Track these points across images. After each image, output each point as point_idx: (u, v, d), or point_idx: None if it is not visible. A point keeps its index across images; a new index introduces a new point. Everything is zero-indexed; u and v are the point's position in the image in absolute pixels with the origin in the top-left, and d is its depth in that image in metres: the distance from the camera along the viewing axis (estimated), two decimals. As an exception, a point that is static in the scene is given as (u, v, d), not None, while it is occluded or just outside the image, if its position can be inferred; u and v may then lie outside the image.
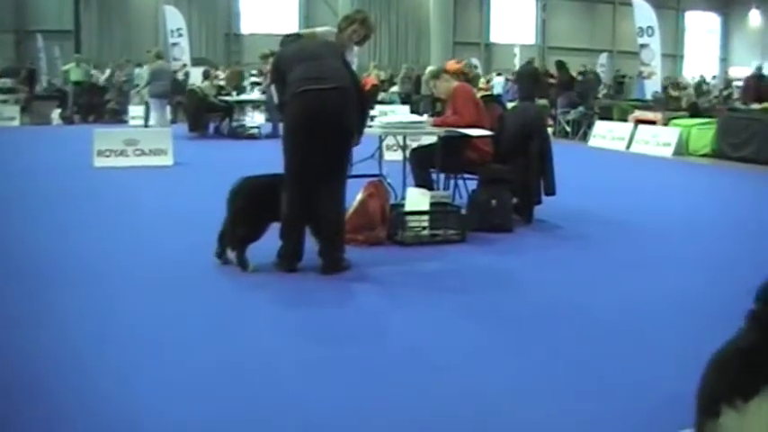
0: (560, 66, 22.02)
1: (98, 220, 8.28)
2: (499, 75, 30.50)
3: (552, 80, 22.21)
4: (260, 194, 6.14)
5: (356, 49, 7.10)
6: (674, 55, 41.81)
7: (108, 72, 26.09)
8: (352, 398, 3.72)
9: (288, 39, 6.76)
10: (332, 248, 6.02)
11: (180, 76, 22.72)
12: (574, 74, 22.95)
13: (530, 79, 20.78)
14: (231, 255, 6.15)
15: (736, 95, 26.51)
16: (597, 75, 25.01)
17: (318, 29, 6.89)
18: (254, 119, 20.32)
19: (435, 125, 8.10)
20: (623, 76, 30.66)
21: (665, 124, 17.71)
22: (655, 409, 3.55)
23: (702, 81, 30.62)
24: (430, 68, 22.02)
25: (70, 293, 5.46)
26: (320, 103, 5.81)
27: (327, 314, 5.12)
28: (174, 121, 20.16)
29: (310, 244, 6.15)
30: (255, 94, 20.70)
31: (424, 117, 8.96)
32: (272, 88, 7.75)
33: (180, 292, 5.52)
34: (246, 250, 6.05)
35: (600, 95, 23.10)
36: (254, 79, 23.77)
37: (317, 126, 5.78)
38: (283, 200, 5.96)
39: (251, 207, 6.11)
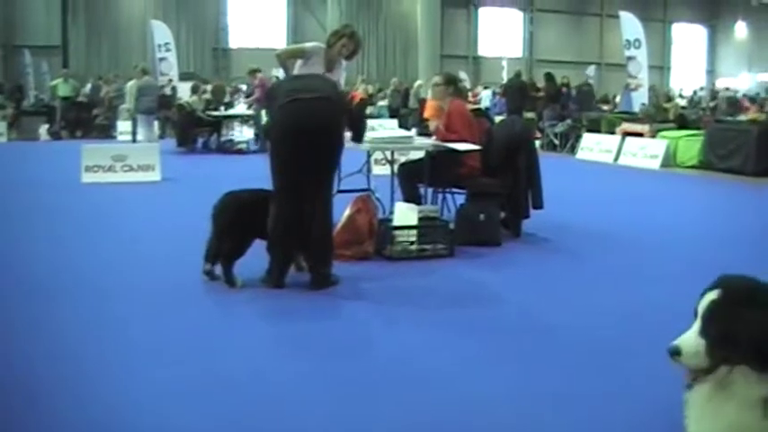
0: (548, 78, 22.06)
1: (86, 236, 8.24)
2: (486, 88, 30.59)
3: (539, 93, 22.25)
4: (244, 210, 6.13)
5: (344, 63, 7.11)
6: (661, 67, 42.03)
7: (89, 86, 26.00)
8: (341, 407, 3.76)
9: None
10: (320, 264, 6.01)
11: (167, 91, 22.71)
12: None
13: (518, 92, 20.79)
14: (219, 271, 6.13)
15: (724, 106, 26.58)
16: (591, 87, 25.07)
17: (307, 44, 6.91)
18: (243, 133, 20.32)
19: (437, 138, 8.11)
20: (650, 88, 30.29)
21: (653, 136, 17.77)
22: (645, 417, 3.59)
23: (734, 95, 29.74)
24: (419, 82, 22.12)
25: (59, 310, 5.42)
26: (307, 112, 5.82)
27: (317, 328, 5.11)
28: (162, 137, 20.15)
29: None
30: (242, 107, 20.68)
31: (412, 132, 8.97)
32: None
33: (170, 307, 5.51)
34: (233, 267, 6.04)
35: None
36: (242, 87, 23.79)
37: (305, 136, 5.77)
38: (271, 215, 5.95)
39: (236, 223, 6.09)
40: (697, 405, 2.40)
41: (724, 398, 2.32)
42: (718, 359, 2.30)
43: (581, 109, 21.78)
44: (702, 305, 2.35)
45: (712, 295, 2.34)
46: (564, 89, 23.28)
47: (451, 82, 8.63)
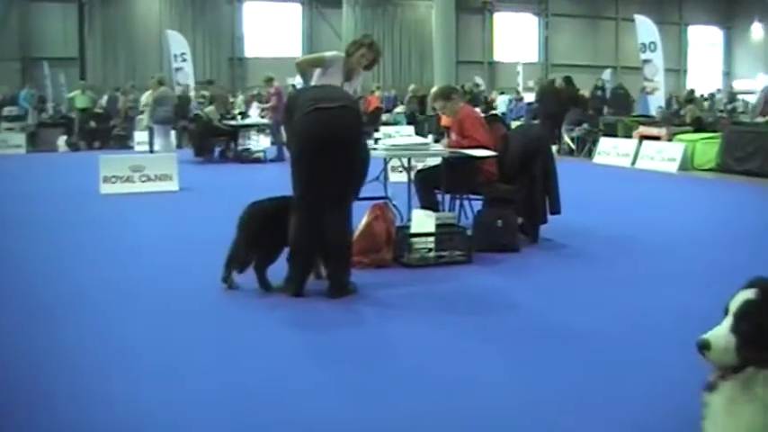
0: (567, 81, 21.96)
1: (106, 245, 8.30)
2: (503, 93, 30.59)
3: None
4: (271, 218, 6.16)
5: (362, 72, 7.13)
6: (677, 69, 41.84)
7: (105, 98, 26.18)
8: (362, 414, 3.77)
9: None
10: (338, 272, 6.02)
11: (188, 92, 22.79)
12: (586, 89, 23.02)
13: (554, 97, 20.65)
14: (237, 278, 6.16)
15: (741, 109, 26.47)
16: (626, 90, 24.96)
17: (327, 54, 6.93)
18: (260, 142, 20.37)
19: (450, 146, 8.09)
20: (692, 92, 29.84)
21: (670, 139, 17.70)
22: (665, 422, 3.59)
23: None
24: (434, 89, 22.08)
25: (80, 318, 5.47)
26: (328, 121, 5.85)
27: (336, 336, 5.13)
28: (179, 146, 20.21)
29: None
30: (254, 111, 20.74)
31: (429, 138, 8.97)
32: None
33: (187, 316, 5.54)
34: (266, 273, 6.11)
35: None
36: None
37: (326, 145, 5.80)
38: (292, 223, 5.97)
39: (264, 231, 6.13)
40: (717, 406, 2.39)
41: (745, 400, 2.31)
42: (747, 358, 2.28)
43: (616, 112, 21.75)
44: (736, 303, 2.35)
45: (748, 294, 2.34)
46: (599, 92, 23.25)
47: (451, 93, 8.61)
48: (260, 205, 6.30)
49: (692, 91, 25.40)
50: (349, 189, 6.09)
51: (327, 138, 5.80)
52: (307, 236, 5.94)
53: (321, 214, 5.92)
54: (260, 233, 6.13)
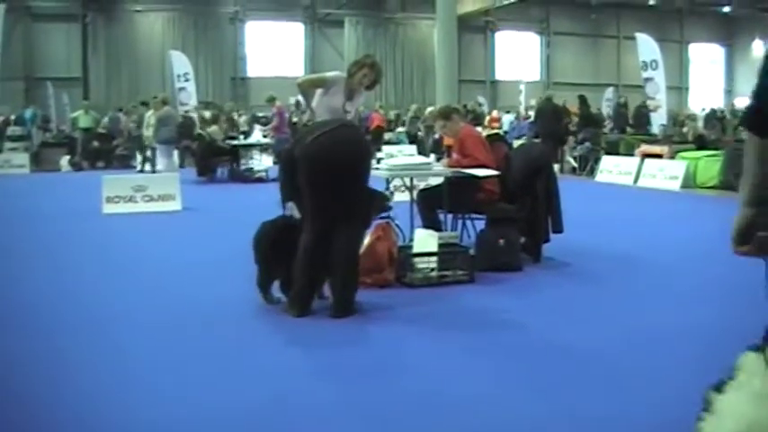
0: (582, 101, 21.96)
1: (108, 265, 8.30)
2: (508, 112, 30.64)
3: (574, 116, 22.22)
4: (282, 237, 6.18)
5: (364, 92, 7.15)
6: (679, 87, 41.93)
7: (106, 119, 26.25)
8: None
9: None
10: (344, 291, 6.02)
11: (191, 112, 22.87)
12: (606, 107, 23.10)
13: (551, 116, 20.67)
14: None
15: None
16: (648, 108, 25.00)
17: (329, 74, 6.95)
18: (262, 162, 20.42)
19: (451, 166, 8.09)
20: (720, 112, 29.73)
21: (672, 157, 17.72)
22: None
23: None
24: (430, 109, 22.14)
25: (82, 337, 5.46)
26: (334, 140, 5.90)
27: (340, 355, 5.11)
28: (182, 166, 20.26)
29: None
30: (257, 134, 20.82)
31: (431, 158, 8.97)
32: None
33: (190, 336, 5.53)
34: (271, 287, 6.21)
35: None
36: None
37: (333, 163, 5.82)
38: (300, 243, 5.98)
39: (277, 251, 6.16)
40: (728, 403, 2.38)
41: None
42: None
43: (638, 131, 21.82)
44: None
45: None
46: (623, 110, 23.24)
47: (450, 112, 8.61)
48: (269, 225, 6.33)
49: (717, 110, 25.24)
50: (358, 207, 6.08)
51: (333, 156, 5.83)
52: (312, 256, 5.94)
53: (328, 234, 5.92)
54: (273, 253, 6.17)
